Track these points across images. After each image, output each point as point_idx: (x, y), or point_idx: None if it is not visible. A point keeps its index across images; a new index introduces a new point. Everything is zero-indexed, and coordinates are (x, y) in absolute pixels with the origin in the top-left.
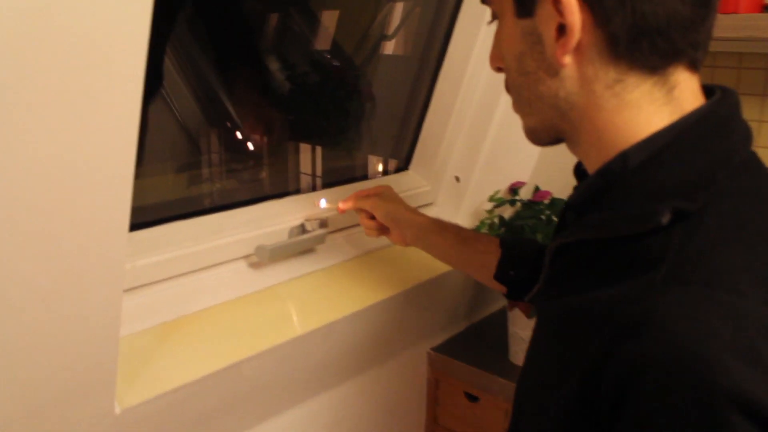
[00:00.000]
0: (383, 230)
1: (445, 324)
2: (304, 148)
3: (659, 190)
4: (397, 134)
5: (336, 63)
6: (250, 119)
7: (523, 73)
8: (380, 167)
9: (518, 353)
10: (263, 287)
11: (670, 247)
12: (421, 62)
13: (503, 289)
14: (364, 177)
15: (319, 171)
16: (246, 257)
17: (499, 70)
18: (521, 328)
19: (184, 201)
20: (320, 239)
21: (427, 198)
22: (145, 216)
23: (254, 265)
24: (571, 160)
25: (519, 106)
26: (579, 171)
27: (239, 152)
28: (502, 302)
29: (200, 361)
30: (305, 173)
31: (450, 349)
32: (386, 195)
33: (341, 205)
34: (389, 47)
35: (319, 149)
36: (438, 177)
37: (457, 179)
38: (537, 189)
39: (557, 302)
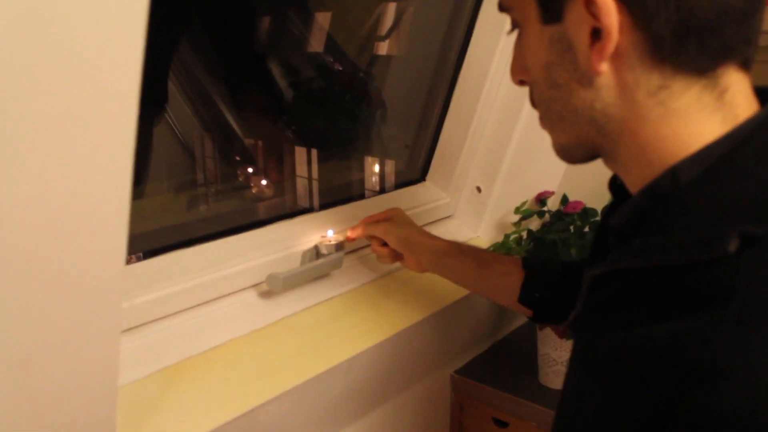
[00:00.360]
0: (397, 256)
1: (468, 344)
2: (313, 162)
3: (720, 211)
4: (411, 143)
5: (342, 68)
6: (254, 134)
7: (553, 85)
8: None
9: (549, 375)
10: (276, 319)
11: (738, 279)
12: (438, 64)
13: (528, 312)
14: (381, 191)
15: (329, 185)
16: (255, 286)
17: (521, 83)
18: (552, 349)
19: (184, 227)
20: (337, 263)
21: (446, 210)
22: (140, 245)
23: (264, 295)
24: (603, 166)
25: (548, 121)
26: (615, 185)
27: (243, 170)
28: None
29: (210, 410)
30: (315, 190)
31: (474, 371)
32: (397, 219)
33: (350, 234)
34: (401, 50)
35: (329, 162)
36: (458, 188)
37: (479, 190)
38: (566, 199)
39: (602, 336)
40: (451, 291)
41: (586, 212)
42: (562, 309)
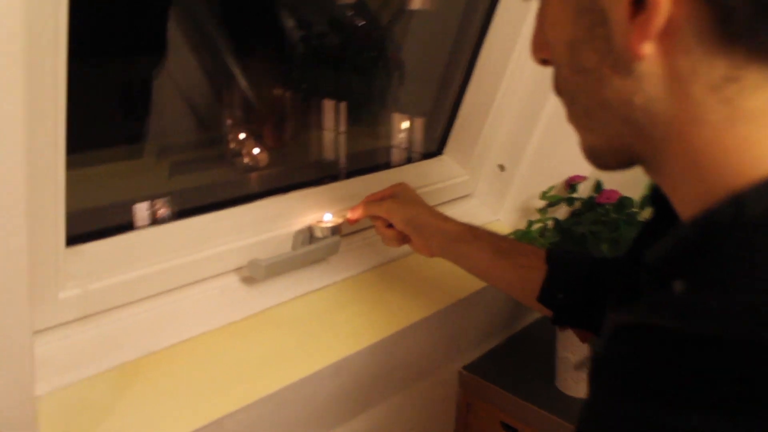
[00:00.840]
0: (405, 238)
1: (479, 338)
2: (315, 126)
3: None
4: (430, 111)
5: (359, 21)
6: (256, 93)
7: (579, 70)
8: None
9: (567, 381)
10: (256, 310)
11: None
12: (463, 23)
13: (548, 312)
14: (387, 165)
15: (335, 155)
16: (236, 271)
17: (544, 63)
18: (573, 353)
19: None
20: (332, 249)
21: (465, 189)
22: (103, 220)
23: (246, 282)
24: None
25: (574, 116)
26: (657, 198)
27: (236, 134)
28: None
29: (169, 417)
30: (318, 160)
31: (485, 368)
32: (403, 197)
33: (350, 215)
34: (424, 3)
35: (334, 126)
36: (478, 164)
37: (502, 168)
38: (600, 186)
39: (617, 403)
40: (466, 281)
41: (622, 203)
42: (587, 312)
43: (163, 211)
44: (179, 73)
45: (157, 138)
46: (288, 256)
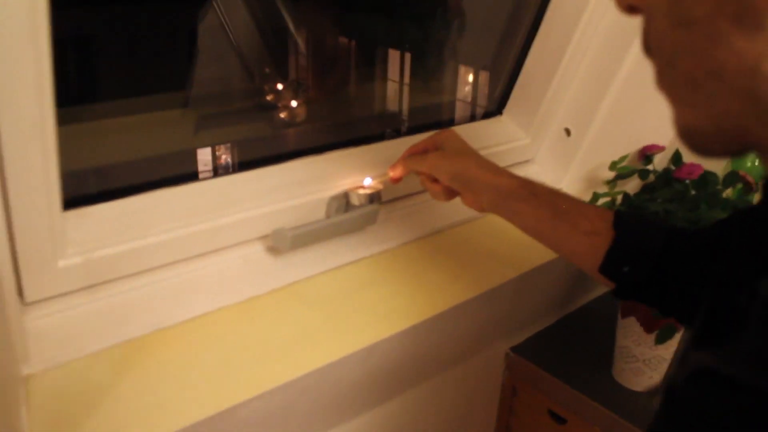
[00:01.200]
0: (453, 192)
1: (530, 317)
2: (362, 79)
3: None
4: (490, 66)
5: None
6: (301, 37)
7: (683, 21)
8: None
9: (626, 372)
10: (281, 284)
11: None
12: None
13: (610, 284)
14: (449, 122)
15: (382, 110)
16: (262, 239)
17: (632, 10)
18: (636, 343)
19: (179, 156)
20: (369, 218)
21: (525, 154)
22: (113, 180)
23: (273, 251)
24: None
25: (670, 84)
26: None
27: (273, 81)
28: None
29: (175, 402)
30: (364, 116)
31: (534, 350)
32: (449, 147)
33: (392, 173)
34: None
35: (383, 82)
36: (541, 127)
37: (568, 132)
38: (678, 158)
39: None
40: (521, 256)
41: (705, 179)
42: (656, 290)
43: (225, 158)
44: (221, 15)
45: (186, 87)
46: (318, 226)
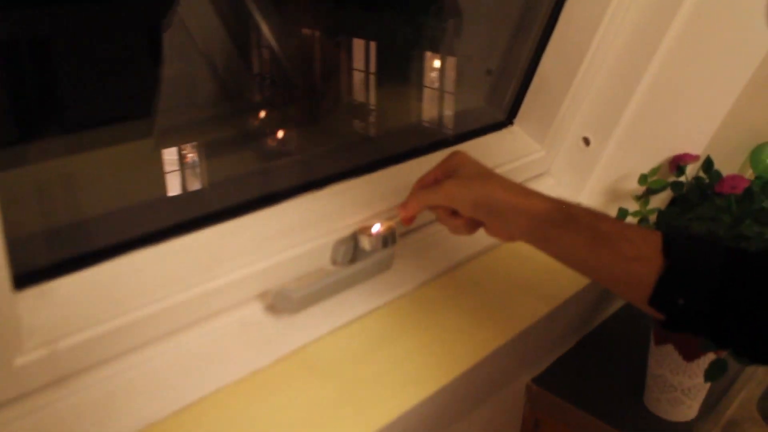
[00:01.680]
0: (477, 224)
1: (550, 344)
2: (358, 95)
3: None
4: (498, 70)
5: None
6: (280, 48)
7: None
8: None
9: (662, 402)
10: (289, 350)
11: None
12: None
13: (659, 315)
14: (454, 140)
15: (378, 131)
16: (260, 297)
17: None
18: (673, 372)
19: (153, 207)
20: (384, 265)
21: (539, 167)
22: (75, 244)
23: (274, 311)
24: None
25: None
26: None
27: (254, 108)
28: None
29: None
30: (363, 138)
31: (556, 380)
32: (464, 172)
33: (403, 213)
34: None
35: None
36: (557, 137)
37: (586, 142)
38: (710, 166)
39: None
40: (551, 284)
41: (750, 194)
42: (714, 321)
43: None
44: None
45: (153, 114)
46: (327, 282)
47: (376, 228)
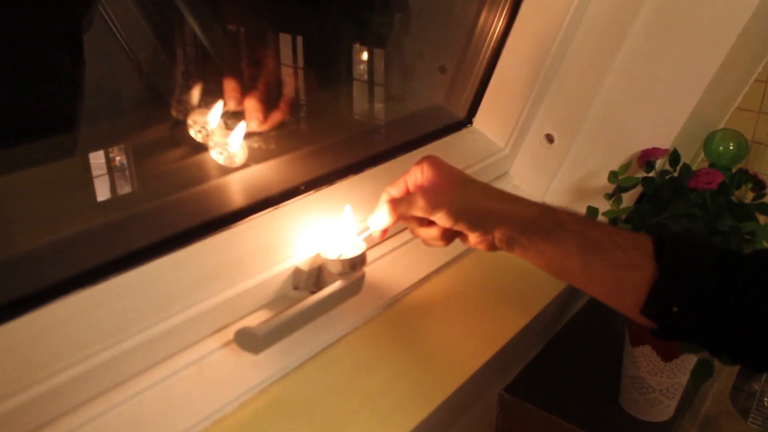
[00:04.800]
0: (453, 234)
1: (520, 351)
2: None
3: None
4: (453, 68)
5: None
6: (213, 49)
7: None
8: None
9: (640, 403)
10: (255, 390)
11: None
12: None
13: (651, 324)
14: (411, 144)
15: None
16: (216, 334)
17: None
18: (651, 373)
19: (84, 239)
20: (354, 288)
21: (502, 167)
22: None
23: (232, 349)
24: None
25: None
26: None
27: (193, 114)
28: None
29: None
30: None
31: (528, 387)
32: (438, 180)
33: (376, 227)
34: None
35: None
36: (519, 135)
37: (549, 139)
38: (677, 159)
39: None
40: (533, 292)
41: (725, 189)
42: (709, 328)
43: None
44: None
45: (80, 127)
46: (292, 314)
47: (344, 250)
